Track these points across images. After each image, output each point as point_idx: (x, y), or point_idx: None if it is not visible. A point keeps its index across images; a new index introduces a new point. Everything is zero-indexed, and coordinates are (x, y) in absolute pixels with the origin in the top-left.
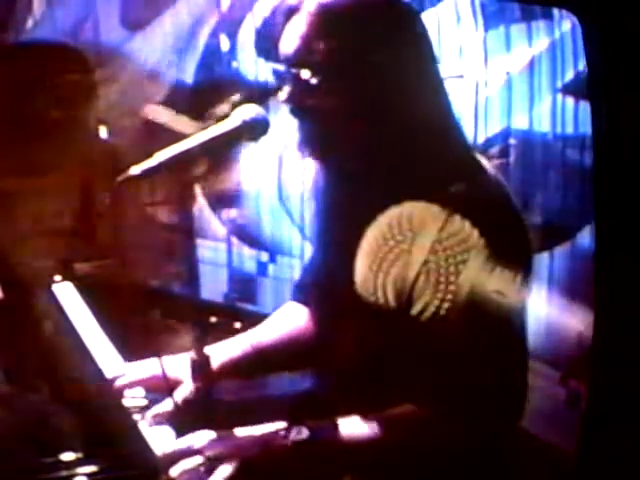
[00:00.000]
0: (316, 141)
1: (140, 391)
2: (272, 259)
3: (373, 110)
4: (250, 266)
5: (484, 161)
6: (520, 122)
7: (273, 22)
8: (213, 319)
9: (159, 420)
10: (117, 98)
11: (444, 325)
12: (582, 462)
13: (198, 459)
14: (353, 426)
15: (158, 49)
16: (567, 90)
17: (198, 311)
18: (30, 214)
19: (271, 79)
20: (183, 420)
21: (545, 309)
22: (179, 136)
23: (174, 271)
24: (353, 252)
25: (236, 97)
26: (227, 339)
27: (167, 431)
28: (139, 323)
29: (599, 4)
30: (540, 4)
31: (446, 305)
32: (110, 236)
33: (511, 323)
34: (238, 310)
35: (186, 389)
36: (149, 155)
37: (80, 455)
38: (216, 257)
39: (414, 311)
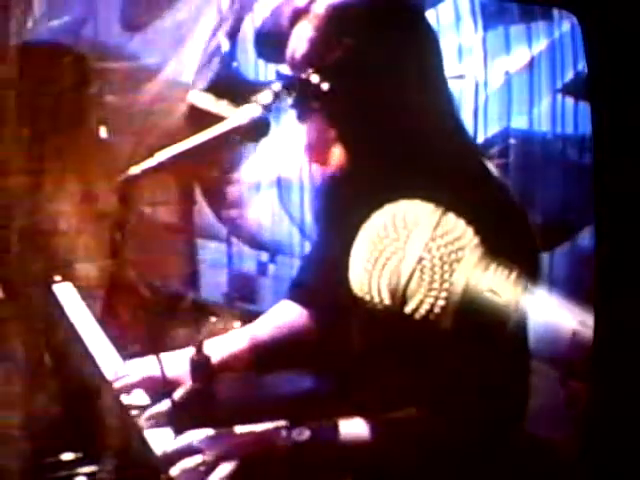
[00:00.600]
0: (321, 145)
1: (140, 391)
2: (272, 259)
3: (381, 113)
4: (250, 266)
5: (484, 159)
6: (520, 122)
7: (277, 24)
8: (213, 319)
9: (159, 420)
10: (117, 97)
11: (438, 323)
12: (582, 462)
13: (198, 458)
14: (354, 427)
15: (158, 49)
16: (567, 90)
17: (198, 311)
18: (30, 214)
19: (273, 80)
20: (183, 420)
21: (545, 309)
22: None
23: (174, 271)
24: (348, 250)
25: (236, 97)
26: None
27: (167, 431)
28: (139, 324)
29: (599, 4)
30: (540, 4)
31: (440, 303)
32: (110, 236)
33: (504, 321)
34: (238, 310)
35: (186, 389)
36: (150, 155)
37: (80, 455)
38: (216, 257)
39: (408, 309)
